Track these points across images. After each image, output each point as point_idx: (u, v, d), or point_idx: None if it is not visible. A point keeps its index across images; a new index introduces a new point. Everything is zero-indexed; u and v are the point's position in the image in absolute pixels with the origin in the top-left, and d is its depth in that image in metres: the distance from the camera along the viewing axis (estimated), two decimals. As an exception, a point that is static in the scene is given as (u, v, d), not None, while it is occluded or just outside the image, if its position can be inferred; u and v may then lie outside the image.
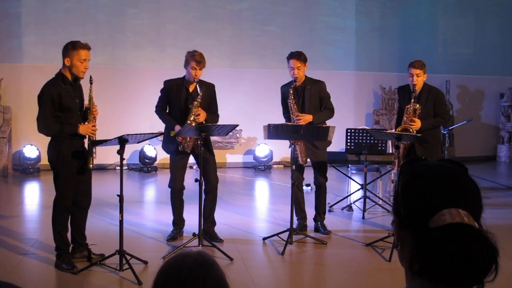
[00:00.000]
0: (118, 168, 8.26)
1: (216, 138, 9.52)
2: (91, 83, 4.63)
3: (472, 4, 11.62)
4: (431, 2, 11.43)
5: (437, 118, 5.64)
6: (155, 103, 5.48)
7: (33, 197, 8.04)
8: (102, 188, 7.39)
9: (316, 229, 5.81)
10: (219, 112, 5.48)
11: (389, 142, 7.05)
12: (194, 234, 5.03)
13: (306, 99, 5.58)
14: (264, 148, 10.02)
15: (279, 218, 6.34)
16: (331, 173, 5.99)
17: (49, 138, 4.65)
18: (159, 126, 5.50)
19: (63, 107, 4.51)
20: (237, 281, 4.29)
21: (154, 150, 9.55)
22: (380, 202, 6.96)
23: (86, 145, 4.68)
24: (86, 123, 4.65)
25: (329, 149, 5.87)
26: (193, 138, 5.21)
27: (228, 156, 10.38)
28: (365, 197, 6.57)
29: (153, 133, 4.96)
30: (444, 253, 1.11)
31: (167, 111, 5.41)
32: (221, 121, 5.32)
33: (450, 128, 7.89)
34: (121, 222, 4.50)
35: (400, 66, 10.46)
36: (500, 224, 6.13)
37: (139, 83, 9.63)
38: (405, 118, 5.55)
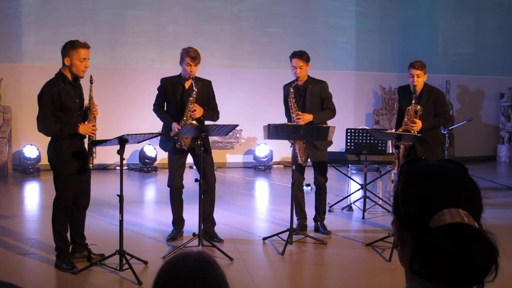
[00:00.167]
0: (118, 168, 8.26)
1: (216, 138, 9.52)
2: (91, 83, 4.63)
3: (472, 4, 11.62)
4: (431, 2, 11.43)
5: (438, 119, 5.64)
6: (154, 102, 5.49)
7: (33, 197, 8.04)
8: (102, 188, 7.39)
9: (316, 229, 5.81)
10: (219, 110, 5.48)
11: (389, 142, 7.05)
12: (194, 234, 5.03)
13: (307, 99, 5.58)
14: (264, 148, 10.02)
15: (279, 218, 6.34)
16: (331, 173, 5.99)
17: (49, 138, 4.65)
18: (159, 126, 5.50)
19: (63, 106, 4.51)
20: (237, 281, 4.29)
21: (154, 150, 9.55)
22: (380, 202, 6.96)
23: (86, 145, 4.68)
24: (86, 122, 4.65)
25: (329, 149, 5.87)
26: (191, 136, 5.21)
27: (228, 156, 10.38)
28: (365, 197, 6.57)
29: (153, 133, 4.97)
30: (444, 253, 1.11)
31: (165, 109, 5.41)
32: (221, 121, 5.32)
33: (450, 128, 7.89)
34: (121, 222, 4.50)
35: (400, 66, 10.46)
36: (500, 224, 6.13)
37: (139, 83, 9.63)
38: (406, 119, 5.54)
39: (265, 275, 4.70)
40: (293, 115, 5.52)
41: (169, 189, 5.47)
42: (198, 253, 1.38)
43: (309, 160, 5.69)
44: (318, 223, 5.81)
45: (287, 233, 5.28)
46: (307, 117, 5.49)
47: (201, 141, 4.97)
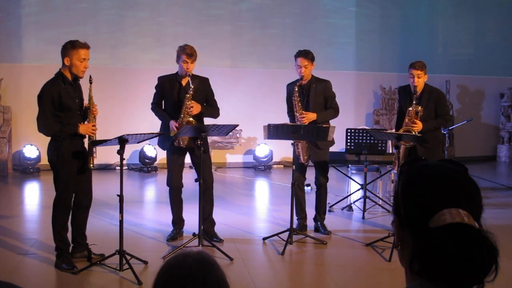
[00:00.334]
0: (118, 168, 8.26)
1: (216, 138, 9.52)
2: (90, 83, 4.63)
3: (472, 4, 11.62)
4: (431, 2, 11.43)
5: (439, 120, 5.64)
6: (154, 102, 5.49)
7: (33, 197, 8.04)
8: (102, 188, 7.39)
9: (316, 229, 5.81)
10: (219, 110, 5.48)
11: (389, 142, 7.05)
12: (194, 234, 5.03)
13: (311, 98, 5.59)
14: (264, 148, 10.02)
15: (279, 218, 6.34)
16: (331, 173, 5.99)
17: (49, 138, 4.65)
18: (159, 126, 5.49)
19: (63, 106, 4.51)
20: (237, 281, 4.29)
21: (154, 150, 9.55)
22: (380, 202, 6.96)
23: (86, 145, 4.68)
24: (86, 122, 4.65)
25: (329, 149, 5.87)
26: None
27: (228, 156, 10.38)
28: (365, 197, 6.57)
29: (153, 133, 4.97)
30: (444, 253, 1.11)
31: (163, 107, 5.42)
32: (221, 121, 5.32)
33: (450, 128, 7.89)
34: (121, 222, 4.50)
35: (400, 66, 10.46)
36: (500, 224, 6.14)
37: (139, 83, 9.63)
38: (406, 120, 5.54)
39: (265, 275, 4.70)
40: (297, 114, 5.52)
41: (168, 188, 5.47)
42: (198, 253, 1.39)
43: (309, 160, 5.69)
44: (318, 223, 5.81)
45: (287, 233, 5.28)
46: (311, 116, 5.50)
47: (201, 141, 4.97)
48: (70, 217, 4.70)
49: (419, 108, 5.49)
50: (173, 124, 5.16)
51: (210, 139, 9.14)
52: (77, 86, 4.67)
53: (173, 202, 5.47)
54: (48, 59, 8.82)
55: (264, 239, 5.46)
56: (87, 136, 4.63)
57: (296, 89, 5.52)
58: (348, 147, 6.81)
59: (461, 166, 1.26)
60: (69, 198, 4.63)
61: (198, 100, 5.20)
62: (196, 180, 5.06)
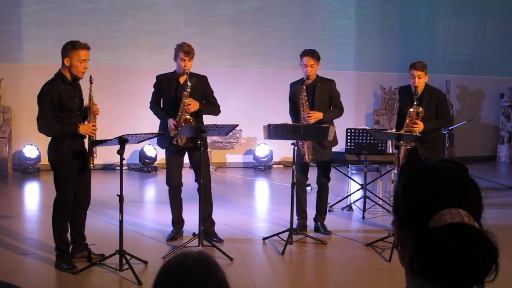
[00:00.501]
0: (118, 168, 8.26)
1: (216, 138, 9.52)
2: (91, 83, 4.64)
3: (472, 4, 11.62)
4: (431, 2, 11.43)
5: (439, 120, 5.64)
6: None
7: (33, 197, 8.04)
8: (102, 188, 7.39)
9: (316, 229, 5.81)
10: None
11: (389, 142, 7.05)
12: (194, 234, 5.03)
13: (316, 97, 5.59)
14: (264, 148, 10.02)
15: (279, 218, 6.34)
16: (331, 173, 5.99)
17: (49, 138, 4.65)
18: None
19: (63, 107, 4.51)
20: (237, 281, 4.29)
21: (154, 150, 9.55)
22: (380, 202, 6.96)
23: (86, 145, 4.68)
24: (86, 122, 4.65)
25: (329, 149, 5.87)
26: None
27: (228, 156, 10.38)
28: (365, 197, 6.57)
29: (153, 133, 4.97)
30: (444, 253, 1.11)
31: (161, 105, 5.42)
32: (221, 121, 5.32)
33: (450, 128, 7.89)
34: (121, 222, 4.50)
35: (400, 66, 10.46)
36: (500, 224, 6.14)
37: (139, 83, 9.62)
38: (407, 120, 5.54)
39: (265, 275, 4.70)
40: (304, 113, 5.52)
41: (168, 187, 5.47)
42: (198, 253, 1.39)
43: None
44: (318, 223, 5.81)
45: (287, 233, 5.28)
46: (318, 115, 5.51)
47: (201, 141, 4.96)
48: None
49: (420, 109, 5.49)
50: (171, 122, 5.16)
51: (210, 139, 9.16)
52: (77, 86, 4.67)
53: (173, 201, 5.47)
54: (48, 59, 8.82)
55: (264, 239, 5.46)
56: (87, 136, 4.63)
57: (304, 88, 5.52)
58: (348, 147, 6.81)
59: (461, 166, 1.26)
60: (69, 198, 4.63)
61: (197, 97, 5.20)
62: (196, 181, 5.05)
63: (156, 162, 9.65)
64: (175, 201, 5.46)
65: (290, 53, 10.33)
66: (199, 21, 10.12)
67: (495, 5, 11.77)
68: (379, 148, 6.73)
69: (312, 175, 5.92)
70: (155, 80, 5.43)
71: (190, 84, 5.10)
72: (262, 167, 9.92)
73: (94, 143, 4.60)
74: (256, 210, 7.19)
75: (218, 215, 5.78)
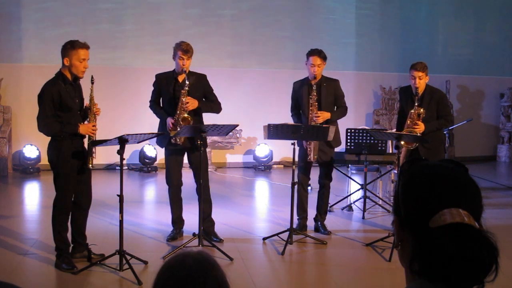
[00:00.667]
0: (118, 168, 8.26)
1: (216, 138, 9.52)
2: (92, 83, 4.64)
3: (472, 4, 11.62)
4: (431, 2, 11.43)
5: (440, 121, 5.64)
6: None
7: (33, 197, 8.04)
8: (102, 188, 7.39)
9: (316, 229, 5.81)
10: None
11: (389, 142, 7.05)
12: (194, 234, 5.03)
13: (323, 97, 5.59)
14: (264, 148, 10.01)
15: (279, 218, 6.34)
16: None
17: (49, 138, 4.65)
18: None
19: (63, 106, 4.51)
20: (237, 281, 4.29)
21: (154, 150, 9.55)
22: (380, 202, 6.96)
23: (86, 145, 4.68)
24: (86, 122, 4.64)
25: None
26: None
27: (228, 156, 10.37)
28: (365, 197, 6.57)
29: (153, 133, 4.97)
30: (444, 253, 1.11)
31: (161, 104, 5.42)
32: (221, 121, 5.32)
33: (450, 128, 7.89)
34: (121, 222, 4.50)
35: (400, 66, 10.46)
36: (500, 224, 6.14)
37: (139, 83, 9.62)
38: (408, 121, 5.54)
39: (265, 275, 4.70)
40: (312, 113, 5.51)
41: (168, 187, 5.47)
42: (198, 253, 1.39)
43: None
44: (319, 223, 5.81)
45: (287, 233, 5.28)
46: (326, 115, 5.52)
47: (201, 141, 4.96)
48: (70, 217, 4.70)
49: (421, 110, 5.49)
50: (169, 121, 5.17)
51: (210, 139, 9.15)
52: (77, 86, 4.67)
53: (173, 201, 5.47)
54: (48, 59, 8.82)
55: (264, 239, 5.46)
56: (87, 136, 4.63)
57: (314, 88, 5.51)
58: (348, 147, 6.81)
59: (461, 166, 1.26)
60: (69, 198, 4.63)
61: (196, 96, 5.20)
62: (196, 181, 5.05)
63: (156, 162, 9.65)
64: (175, 200, 5.46)
65: (290, 53, 10.35)
66: (199, 21, 10.11)
67: (495, 5, 11.76)
68: (379, 148, 6.73)
69: (312, 175, 5.92)
70: (154, 79, 5.44)
71: (188, 83, 5.11)
72: (262, 167, 9.92)
73: (94, 143, 4.60)
74: (256, 210, 7.19)
75: (218, 215, 5.78)
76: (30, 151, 9.16)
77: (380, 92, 10.96)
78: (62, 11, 9.58)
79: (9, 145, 9.24)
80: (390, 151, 7.10)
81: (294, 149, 5.32)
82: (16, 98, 9.36)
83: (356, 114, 10.85)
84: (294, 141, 5.33)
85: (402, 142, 5.43)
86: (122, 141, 4.44)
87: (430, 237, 1.13)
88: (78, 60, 4.49)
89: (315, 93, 5.51)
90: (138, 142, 4.78)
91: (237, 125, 5.27)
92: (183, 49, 5.13)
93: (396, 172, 6.48)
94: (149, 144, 9.46)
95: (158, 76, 5.41)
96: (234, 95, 9.79)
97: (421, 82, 5.51)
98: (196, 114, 5.26)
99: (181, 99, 5.12)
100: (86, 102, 4.74)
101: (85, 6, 9.70)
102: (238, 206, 7.02)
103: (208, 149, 9.11)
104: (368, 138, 6.67)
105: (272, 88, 10.09)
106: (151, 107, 5.43)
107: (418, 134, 5.44)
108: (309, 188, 7.21)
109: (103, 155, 8.17)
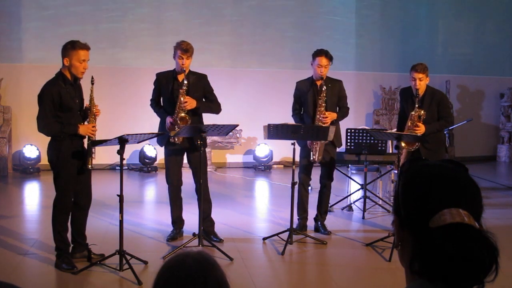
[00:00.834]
0: (118, 168, 8.26)
1: (216, 138, 9.52)
2: (92, 84, 4.64)
3: (472, 4, 11.62)
4: (431, 2, 11.43)
5: (441, 122, 5.63)
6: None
7: (33, 197, 8.04)
8: (102, 188, 7.39)
9: (316, 229, 5.81)
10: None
11: (389, 142, 7.05)
12: (194, 234, 5.03)
13: (328, 97, 5.58)
14: (264, 148, 10.02)
15: (279, 218, 6.34)
16: (331, 173, 5.99)
17: (49, 138, 4.65)
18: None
19: (63, 107, 4.51)
20: (237, 281, 4.29)
21: (154, 150, 9.55)
22: (380, 202, 6.96)
23: (85, 145, 4.68)
24: (86, 123, 4.65)
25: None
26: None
27: (228, 156, 10.37)
28: (365, 197, 6.57)
29: (153, 133, 4.97)
30: (444, 253, 1.11)
31: (161, 103, 5.42)
32: (221, 121, 5.32)
33: (450, 128, 7.89)
34: (121, 222, 4.50)
35: (400, 66, 10.46)
36: (500, 224, 6.13)
37: (139, 83, 9.62)
38: (409, 123, 5.54)
39: (265, 275, 4.70)
40: (320, 114, 5.49)
41: (168, 186, 5.47)
42: (198, 253, 1.39)
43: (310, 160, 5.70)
44: (319, 223, 5.81)
45: (287, 233, 5.28)
46: (333, 116, 5.53)
47: (201, 141, 4.96)
48: (70, 217, 4.70)
49: (422, 112, 5.48)
50: (168, 120, 5.17)
51: (210, 139, 9.15)
52: (77, 86, 4.67)
53: (173, 200, 5.47)
54: (48, 59, 8.82)
55: (264, 239, 5.46)
56: (87, 136, 4.63)
57: (324, 89, 5.51)
58: (348, 147, 6.81)
59: (462, 166, 1.26)
60: (69, 198, 4.63)
61: (195, 96, 5.21)
62: (195, 182, 5.05)
63: (156, 162, 9.65)
64: (175, 200, 5.46)
65: (290, 53, 10.35)
66: (200, 21, 10.11)
67: (495, 5, 11.76)
68: (379, 148, 6.73)
69: (312, 175, 5.91)
70: (155, 78, 5.45)
71: (186, 82, 5.11)
72: (262, 167, 9.92)
73: (94, 143, 4.60)
74: (256, 210, 7.18)
75: (218, 215, 5.78)
76: (30, 151, 9.16)
77: (380, 92, 10.96)
78: (62, 11, 9.58)
79: (9, 145, 9.24)
80: (390, 151, 7.10)
81: (294, 149, 5.31)
82: (16, 98, 9.36)
83: (356, 114, 10.84)
84: (294, 141, 5.33)
85: (403, 144, 5.42)
86: (122, 141, 4.44)
87: (430, 237, 1.13)
88: (78, 60, 4.49)
89: (324, 94, 5.51)
90: (138, 142, 4.78)
91: (237, 125, 5.27)
92: (183, 49, 5.13)
93: (396, 172, 6.48)
94: (149, 144, 9.46)
95: (158, 75, 5.42)
96: (234, 95, 9.79)
97: (421, 83, 5.50)
98: (195, 114, 5.26)
99: (180, 98, 5.13)
100: (86, 102, 4.74)
101: (85, 6, 9.70)
102: (238, 206, 7.02)
103: (208, 149, 9.11)
104: (368, 138, 6.68)
105: (272, 88, 10.09)
106: (151, 106, 5.45)
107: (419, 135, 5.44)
108: (309, 188, 7.24)
109: (103, 155, 8.16)
